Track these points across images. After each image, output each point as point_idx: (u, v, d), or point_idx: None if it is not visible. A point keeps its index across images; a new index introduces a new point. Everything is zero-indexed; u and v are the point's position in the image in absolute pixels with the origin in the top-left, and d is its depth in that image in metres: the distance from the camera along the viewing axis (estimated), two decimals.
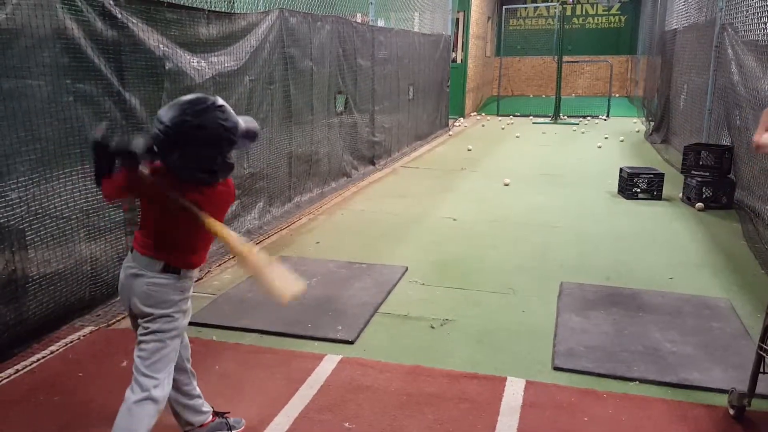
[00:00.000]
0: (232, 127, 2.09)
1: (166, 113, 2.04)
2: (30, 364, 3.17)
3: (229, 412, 2.64)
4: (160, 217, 2.17)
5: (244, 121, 2.15)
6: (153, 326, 2.19)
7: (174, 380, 2.33)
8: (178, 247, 2.20)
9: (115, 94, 3.72)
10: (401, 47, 9.47)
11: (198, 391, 2.52)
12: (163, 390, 2.20)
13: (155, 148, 2.07)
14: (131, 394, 2.18)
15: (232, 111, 2.12)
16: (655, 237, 5.61)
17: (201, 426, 2.52)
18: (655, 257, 5.03)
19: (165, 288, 2.18)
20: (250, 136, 2.18)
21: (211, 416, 2.56)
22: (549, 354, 3.37)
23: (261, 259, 2.23)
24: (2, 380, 3.03)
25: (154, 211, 2.18)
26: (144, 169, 2.12)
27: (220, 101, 2.11)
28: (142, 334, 2.20)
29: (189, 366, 2.47)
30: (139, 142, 2.09)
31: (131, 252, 2.23)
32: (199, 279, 4.40)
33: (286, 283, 2.23)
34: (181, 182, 2.11)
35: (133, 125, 3.85)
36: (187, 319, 2.29)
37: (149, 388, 2.16)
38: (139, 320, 2.22)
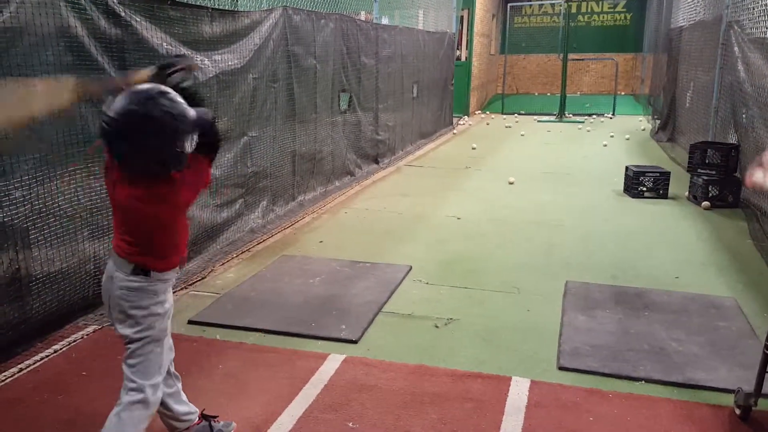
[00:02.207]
0: (178, 115, 2.01)
1: (113, 105, 1.98)
2: (34, 363, 3.17)
3: (217, 417, 2.59)
4: (130, 216, 2.12)
5: (195, 111, 2.08)
6: (130, 332, 2.15)
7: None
8: (147, 248, 2.14)
9: (118, 93, 3.71)
10: (405, 45, 9.45)
11: (182, 396, 2.48)
12: (153, 395, 2.17)
13: (102, 140, 2.00)
14: (122, 398, 2.16)
15: (180, 99, 2.05)
16: (661, 236, 5.58)
17: (186, 430, 2.48)
18: (661, 256, 5.00)
19: (136, 292, 2.14)
20: (202, 124, 2.10)
21: (196, 419, 2.52)
22: (554, 353, 3.35)
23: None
24: (6, 379, 3.03)
25: (123, 211, 2.14)
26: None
27: (165, 88, 2.04)
28: (125, 342, 2.18)
29: (172, 369, 2.43)
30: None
31: (111, 255, 2.21)
32: (202, 278, 4.40)
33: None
34: (131, 176, 2.05)
35: None
36: (166, 322, 2.23)
37: (138, 393, 2.14)
38: (116, 325, 2.19)
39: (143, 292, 2.15)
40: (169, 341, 2.35)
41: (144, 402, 2.15)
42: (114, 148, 2.01)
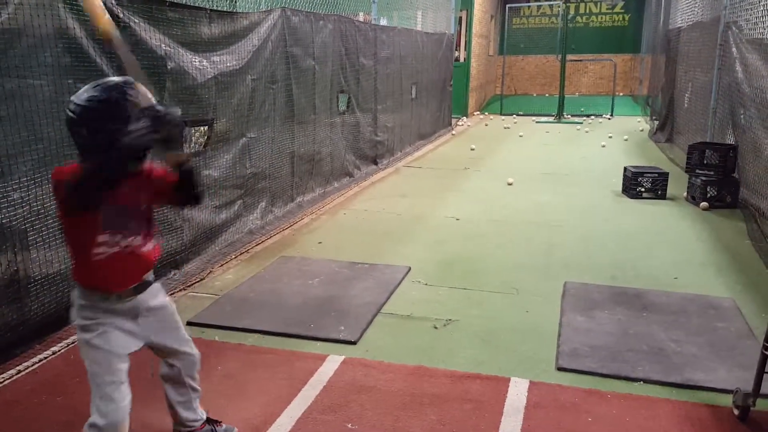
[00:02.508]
0: (135, 101, 1.97)
1: (77, 95, 1.99)
2: (32, 365, 3.17)
3: (220, 422, 2.59)
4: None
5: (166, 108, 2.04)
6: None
7: (170, 392, 2.39)
8: (73, 257, 2.12)
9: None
10: (404, 46, 9.45)
11: (194, 404, 2.48)
12: (101, 416, 2.07)
13: (69, 130, 1.99)
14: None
15: (146, 92, 2.03)
16: (659, 236, 5.59)
17: None
18: (659, 257, 5.01)
19: (74, 306, 2.13)
20: (149, 109, 1.99)
21: (200, 424, 2.52)
22: (553, 354, 3.35)
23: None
24: (4, 380, 3.03)
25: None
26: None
27: (132, 80, 2.04)
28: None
29: (190, 382, 2.42)
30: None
31: None
32: (201, 279, 4.39)
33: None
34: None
35: None
36: (101, 352, 2.10)
37: (91, 414, 2.10)
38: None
39: (75, 306, 2.15)
40: (186, 355, 2.37)
41: (92, 425, 2.09)
42: (74, 135, 1.99)
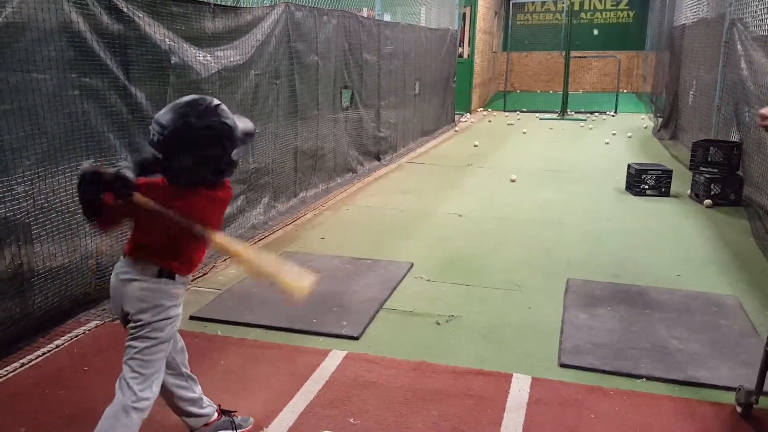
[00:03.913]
0: (233, 126, 2.10)
1: (165, 116, 2.01)
2: (35, 358, 3.18)
3: (236, 411, 2.62)
4: (155, 222, 2.11)
5: (240, 121, 2.15)
6: (141, 332, 2.15)
7: (172, 386, 2.38)
8: (173, 253, 2.17)
9: (120, 89, 3.72)
10: (407, 42, 9.44)
11: (197, 394, 2.48)
12: (149, 397, 2.16)
13: (158, 153, 2.02)
14: (120, 397, 2.14)
15: (228, 110, 2.12)
16: (662, 234, 5.58)
17: (205, 425, 2.50)
18: (662, 254, 5.00)
19: (157, 293, 2.15)
20: (248, 134, 2.20)
21: (216, 414, 2.54)
22: (555, 351, 3.35)
23: (269, 261, 2.22)
24: (8, 374, 3.04)
25: (147, 217, 2.13)
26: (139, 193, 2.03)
27: (217, 101, 2.10)
28: (131, 338, 2.17)
29: (186, 371, 2.44)
30: (128, 168, 2.01)
31: (124, 257, 2.20)
32: (203, 274, 4.40)
33: (299, 278, 2.20)
34: (183, 187, 2.08)
35: (139, 120, 3.85)
36: (177, 326, 2.24)
37: (135, 394, 2.13)
38: (129, 325, 2.19)
39: (165, 294, 2.16)
40: (179, 342, 2.40)
41: (136, 408, 2.13)
42: (171, 160, 2.03)
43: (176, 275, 2.18)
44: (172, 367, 2.37)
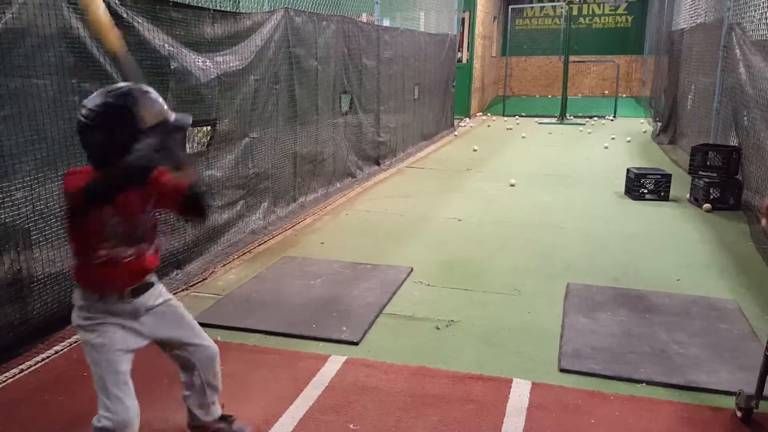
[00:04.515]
0: (149, 110, 1.97)
1: (90, 100, 1.97)
2: (35, 364, 3.17)
3: (235, 416, 2.60)
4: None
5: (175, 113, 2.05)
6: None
7: (190, 400, 2.40)
8: (73, 254, 2.11)
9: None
10: (407, 47, 9.45)
11: (212, 409, 2.47)
12: (112, 415, 2.04)
13: (79, 135, 1.97)
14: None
15: (159, 98, 2.02)
16: (662, 238, 5.58)
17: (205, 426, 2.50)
18: (662, 258, 5.00)
19: (74, 304, 2.12)
20: (178, 127, 2.05)
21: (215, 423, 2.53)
22: (555, 355, 3.35)
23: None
24: (7, 380, 3.03)
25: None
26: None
27: (146, 87, 2.03)
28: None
29: (210, 380, 2.41)
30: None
31: None
32: (203, 280, 4.40)
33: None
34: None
35: None
36: (103, 351, 2.09)
37: (99, 416, 2.07)
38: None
39: (75, 308, 2.16)
40: (204, 352, 2.35)
41: (98, 428, 2.07)
42: (89, 141, 1.97)
43: (78, 285, 2.11)
44: (192, 386, 2.39)
